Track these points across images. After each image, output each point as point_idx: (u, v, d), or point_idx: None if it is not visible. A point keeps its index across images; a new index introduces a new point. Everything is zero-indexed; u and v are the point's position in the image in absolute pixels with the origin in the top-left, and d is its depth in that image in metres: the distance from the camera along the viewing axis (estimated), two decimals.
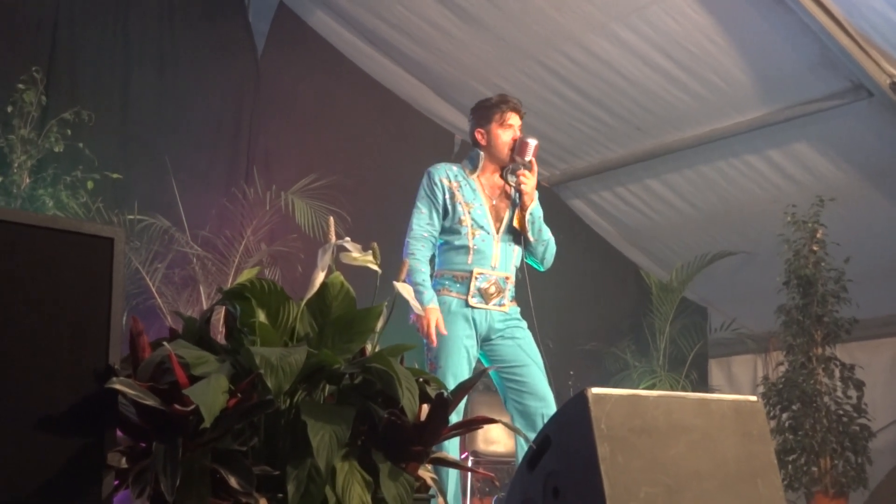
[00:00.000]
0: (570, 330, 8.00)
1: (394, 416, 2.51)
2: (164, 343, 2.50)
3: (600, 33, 6.72)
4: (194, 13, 7.36)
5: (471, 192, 4.51)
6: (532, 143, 4.47)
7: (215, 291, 6.28)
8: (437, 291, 4.42)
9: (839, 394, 6.77)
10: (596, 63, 6.98)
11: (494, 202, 4.53)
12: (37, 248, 2.32)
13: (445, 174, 4.54)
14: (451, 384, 4.13)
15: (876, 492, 6.69)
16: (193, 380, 2.36)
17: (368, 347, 2.76)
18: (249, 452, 2.47)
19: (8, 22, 6.48)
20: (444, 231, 4.50)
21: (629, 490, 2.78)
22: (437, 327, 4.27)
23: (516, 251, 4.53)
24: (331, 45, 7.88)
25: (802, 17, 5.86)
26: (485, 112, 4.58)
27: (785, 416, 6.81)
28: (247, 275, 2.70)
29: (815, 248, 6.89)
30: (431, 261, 4.52)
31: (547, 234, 4.58)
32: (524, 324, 4.51)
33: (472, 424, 2.95)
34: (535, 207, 4.54)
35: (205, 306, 6.43)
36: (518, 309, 4.54)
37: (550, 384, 4.41)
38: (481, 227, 4.45)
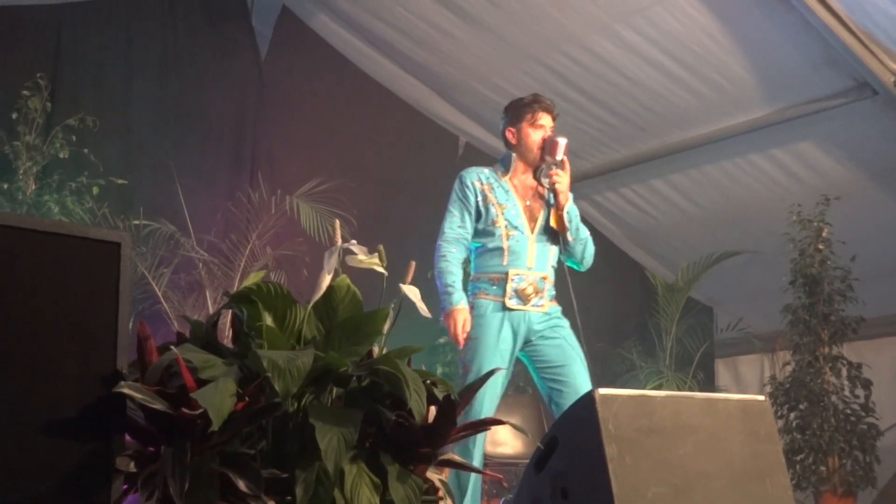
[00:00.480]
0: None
1: (402, 418, 2.52)
2: (172, 347, 2.50)
3: (603, 34, 6.71)
4: (197, 18, 7.36)
5: (503, 194, 4.51)
6: (562, 141, 4.47)
7: (221, 295, 6.29)
8: (475, 295, 4.44)
9: (847, 393, 6.75)
10: (599, 64, 6.98)
11: (528, 203, 4.53)
12: (43, 254, 2.33)
13: (477, 177, 4.56)
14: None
15: (885, 491, 6.67)
16: (201, 383, 2.37)
17: (376, 350, 2.76)
18: (258, 455, 2.48)
19: (12, 29, 6.49)
20: (477, 234, 4.50)
21: (637, 490, 2.78)
22: (462, 327, 4.29)
23: (553, 251, 4.52)
24: (333, 47, 7.88)
25: (805, 15, 5.86)
26: (516, 111, 4.59)
27: (792, 415, 6.80)
28: (253, 278, 2.70)
29: (820, 247, 6.88)
30: (466, 263, 4.54)
31: (584, 232, 4.58)
32: (566, 322, 4.51)
33: (479, 426, 2.95)
34: (570, 206, 4.54)
35: (211, 311, 6.43)
36: (559, 308, 4.53)
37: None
38: (515, 228, 4.45)
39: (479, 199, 4.48)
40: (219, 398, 2.27)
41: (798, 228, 6.93)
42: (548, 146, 4.48)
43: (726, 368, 8.86)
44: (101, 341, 2.37)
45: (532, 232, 4.47)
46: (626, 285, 8.76)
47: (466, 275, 4.55)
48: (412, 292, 2.83)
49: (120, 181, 6.45)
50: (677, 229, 8.38)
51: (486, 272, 4.46)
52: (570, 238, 4.49)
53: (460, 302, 4.34)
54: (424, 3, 7.09)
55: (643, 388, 7.57)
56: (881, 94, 6.23)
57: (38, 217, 5.78)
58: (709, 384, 8.45)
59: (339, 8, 7.60)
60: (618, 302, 8.63)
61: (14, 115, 6.15)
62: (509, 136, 4.59)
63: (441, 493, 2.69)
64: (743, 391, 8.48)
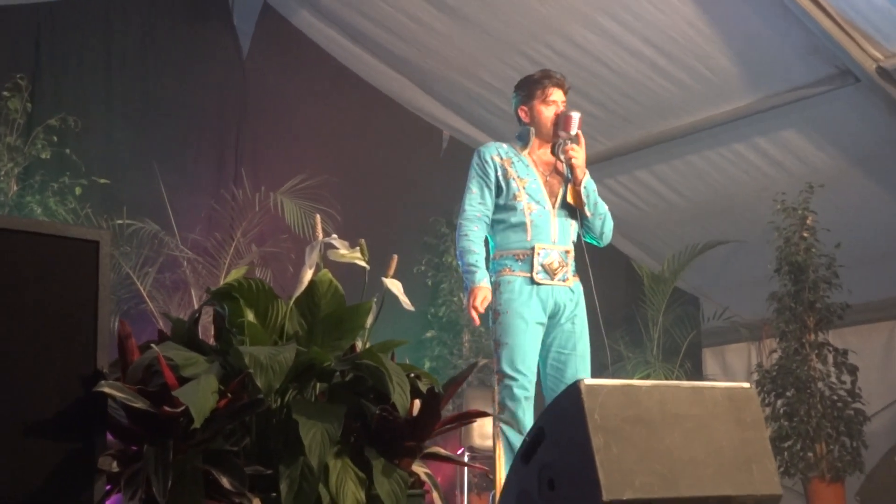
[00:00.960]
0: (594, 311, 7.97)
1: (385, 412, 2.51)
2: (153, 345, 2.49)
3: (585, 24, 6.70)
4: (178, 16, 7.33)
5: (524, 168, 4.44)
6: (576, 116, 4.40)
7: (204, 294, 6.26)
8: (500, 273, 4.34)
9: (833, 379, 6.77)
10: (581, 54, 6.97)
11: (548, 178, 4.45)
12: (22, 254, 2.31)
13: (496, 151, 4.46)
14: (518, 362, 4.17)
15: (871, 475, 6.69)
16: (183, 381, 2.36)
17: (359, 344, 2.75)
18: (241, 452, 2.46)
19: None
20: (498, 209, 4.41)
21: (624, 480, 2.77)
22: (481, 304, 4.21)
23: (573, 226, 4.46)
24: (315, 44, 7.85)
25: (787, 3, 5.85)
26: (527, 89, 4.51)
27: (780, 402, 6.81)
28: (235, 275, 2.69)
29: (805, 235, 6.89)
30: (495, 243, 4.45)
31: (603, 207, 4.52)
32: (584, 308, 4.46)
33: (465, 418, 2.94)
34: (587, 181, 4.48)
35: None
36: (581, 286, 4.47)
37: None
38: (537, 203, 4.37)
39: (500, 173, 4.39)
40: (200, 395, 2.26)
41: (783, 217, 6.93)
42: (561, 121, 4.40)
43: (713, 357, 8.88)
44: (81, 340, 2.36)
45: (553, 207, 4.40)
46: (612, 276, 8.75)
47: (487, 253, 4.47)
48: (394, 286, 2.82)
49: (102, 181, 6.42)
50: (662, 220, 8.38)
51: (510, 248, 4.37)
52: (588, 213, 4.43)
53: (483, 280, 4.26)
54: None
55: (630, 378, 7.58)
56: (863, 81, 6.23)
57: (16, 216, 5.75)
58: (696, 373, 8.46)
59: (321, 4, 7.57)
60: (604, 293, 8.61)
61: None
62: (522, 114, 4.51)
63: (427, 487, 2.68)
64: (730, 380, 8.45)
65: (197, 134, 7.32)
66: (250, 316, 2.57)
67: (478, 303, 4.22)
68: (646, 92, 7.17)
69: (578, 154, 4.41)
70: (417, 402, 2.60)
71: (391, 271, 2.84)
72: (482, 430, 6.49)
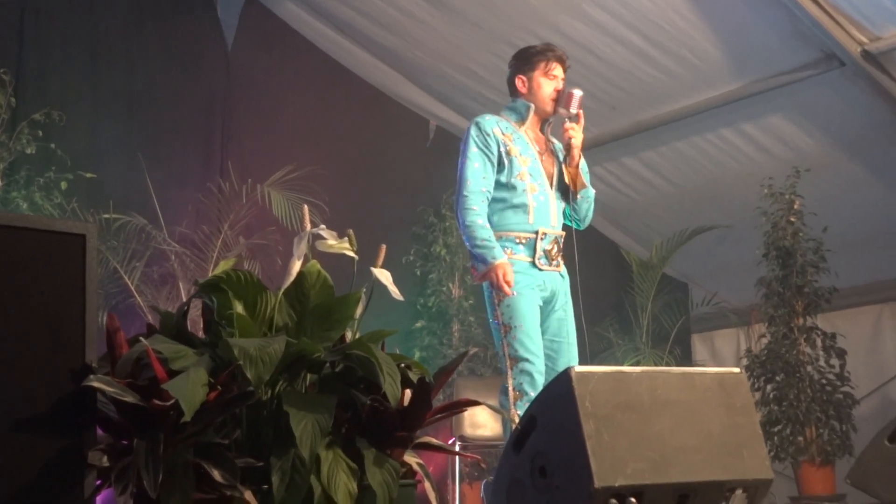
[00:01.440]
0: (576, 298, 7.97)
1: (376, 402, 2.51)
2: (142, 339, 2.48)
3: (571, 13, 6.70)
4: (163, 8, 7.28)
5: (524, 146, 4.23)
6: (577, 93, 4.24)
7: (192, 287, 6.24)
8: None
9: (822, 363, 6.80)
10: (568, 43, 6.94)
11: (543, 157, 4.29)
12: (7, 248, 2.30)
13: (497, 125, 4.22)
14: (531, 344, 4.01)
15: (861, 458, 6.72)
16: (172, 374, 2.35)
17: (348, 335, 2.75)
18: (232, 445, 2.46)
19: None
20: (498, 187, 4.17)
21: (616, 466, 2.77)
22: (509, 280, 4.01)
23: (563, 208, 4.32)
24: (301, 35, 7.82)
25: None
26: (528, 59, 4.32)
27: (769, 387, 6.83)
28: (223, 267, 2.68)
29: (792, 220, 6.91)
30: (491, 223, 4.18)
31: (591, 190, 4.39)
32: (570, 296, 4.32)
33: (456, 407, 2.94)
34: (582, 163, 4.34)
35: None
36: (566, 271, 4.33)
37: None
38: (538, 184, 4.19)
39: (502, 149, 4.16)
40: (190, 388, 2.26)
41: (770, 202, 6.95)
42: (563, 99, 4.24)
43: (703, 343, 8.90)
44: (69, 335, 2.35)
45: (551, 188, 4.25)
46: (600, 264, 8.75)
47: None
48: (383, 276, 2.81)
49: (88, 175, 6.38)
50: (650, 206, 8.39)
51: (510, 230, 4.17)
52: (579, 196, 4.29)
53: (502, 256, 4.03)
54: None
55: (621, 365, 7.59)
56: (848, 66, 6.24)
57: (1, 211, 5.72)
58: (686, 360, 8.48)
59: None
60: (593, 281, 8.62)
61: None
62: (519, 84, 4.30)
63: (419, 477, 2.68)
64: (720, 365, 8.51)
65: (183, 127, 7.28)
66: (239, 308, 2.56)
67: (509, 277, 4.00)
68: (632, 79, 7.17)
69: (577, 134, 4.26)
70: (408, 392, 2.60)
71: (380, 261, 2.84)
72: (473, 420, 6.50)
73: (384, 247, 2.91)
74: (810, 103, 6.74)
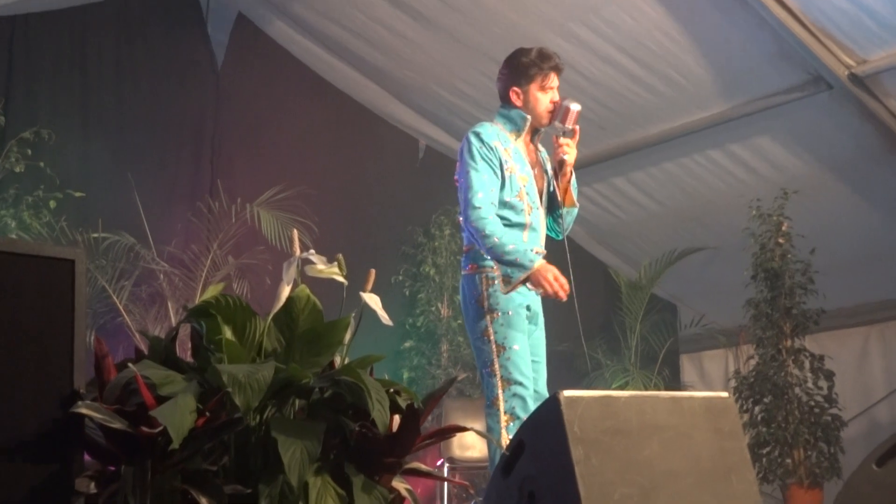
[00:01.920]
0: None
1: (365, 428, 2.50)
2: (130, 364, 2.47)
3: (559, 33, 6.72)
4: (152, 27, 7.28)
5: (521, 162, 4.05)
6: (575, 108, 4.04)
7: (182, 308, 6.22)
8: (491, 269, 3.95)
9: (810, 385, 6.81)
10: None
11: (535, 171, 4.13)
12: None
13: (496, 137, 4.01)
14: (524, 368, 3.88)
15: (849, 482, 6.72)
16: (161, 400, 2.34)
17: (337, 360, 2.74)
18: (220, 471, 2.45)
19: None
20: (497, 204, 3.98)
21: (604, 492, 2.77)
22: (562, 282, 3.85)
23: (547, 223, 4.19)
24: (290, 53, 7.83)
25: (759, 10, 5.90)
26: (524, 70, 4.07)
27: (757, 409, 6.84)
28: (212, 291, 2.68)
29: (780, 241, 6.93)
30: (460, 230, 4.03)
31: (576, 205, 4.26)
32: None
33: (445, 433, 2.94)
34: (572, 178, 4.18)
35: (173, 322, 6.37)
36: None
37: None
38: (533, 203, 4.04)
39: (503, 165, 3.97)
40: (178, 415, 2.25)
41: (758, 223, 6.97)
42: (560, 113, 4.04)
43: (691, 364, 8.91)
44: (57, 360, 2.34)
45: (541, 204, 4.10)
46: (589, 284, 8.75)
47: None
48: (373, 300, 2.81)
49: (77, 194, 6.36)
50: (639, 227, 8.41)
51: None
52: (564, 210, 4.17)
53: (539, 258, 3.88)
54: (380, 7, 7.07)
55: (609, 386, 7.59)
56: (835, 88, 6.29)
57: None
58: (674, 380, 8.48)
59: (296, 14, 7.56)
60: (582, 301, 8.62)
61: None
62: (513, 96, 4.07)
63: (407, 502, 2.67)
64: (708, 386, 8.53)
65: (172, 145, 7.28)
66: (228, 333, 2.55)
67: (563, 280, 3.85)
68: (620, 100, 7.20)
69: (571, 151, 4.12)
70: (397, 418, 2.59)
71: (369, 286, 2.83)
72: (462, 441, 6.49)
73: (373, 271, 2.91)
74: (798, 125, 6.78)
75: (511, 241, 3.85)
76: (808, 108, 6.57)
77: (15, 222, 6.07)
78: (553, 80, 4.10)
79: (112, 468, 2.38)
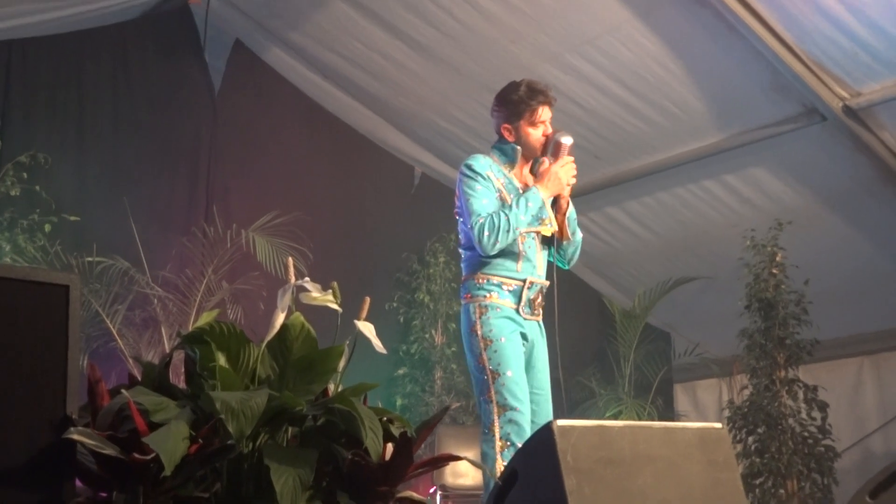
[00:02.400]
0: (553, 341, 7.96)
1: (358, 456, 2.49)
2: (123, 390, 2.46)
3: (555, 63, 6.76)
4: (149, 53, 7.31)
5: (514, 191, 4.06)
6: (567, 142, 4.06)
7: (175, 333, 6.21)
8: (485, 297, 3.98)
9: (804, 415, 6.80)
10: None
11: None
12: None
13: (490, 168, 4.05)
14: (519, 394, 3.89)
15: None
16: (153, 427, 2.33)
17: (331, 388, 2.74)
18: (212, 498, 2.44)
19: None
20: None
21: None
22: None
23: (546, 254, 4.17)
24: (287, 81, 7.87)
25: (754, 43, 5.94)
26: (513, 107, 4.09)
27: (751, 439, 6.83)
28: (206, 318, 2.67)
29: (774, 272, 6.94)
30: (478, 266, 4.03)
31: (579, 234, 4.26)
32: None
33: (437, 462, 2.93)
34: (570, 209, 4.21)
35: (167, 347, 6.36)
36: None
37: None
38: (527, 232, 4.04)
39: (497, 194, 4.01)
40: (171, 442, 2.24)
41: (752, 253, 6.99)
42: (552, 148, 4.06)
43: (685, 393, 8.91)
44: (50, 386, 2.33)
45: (537, 235, 4.09)
46: (583, 312, 8.76)
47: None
48: (367, 328, 2.81)
49: (72, 218, 6.38)
50: (633, 256, 8.43)
51: (497, 274, 4.00)
52: (564, 242, 4.16)
53: (534, 189, 3.97)
54: (378, 35, 7.11)
55: (603, 415, 7.58)
56: (829, 120, 6.32)
57: None
58: (668, 410, 8.47)
59: (293, 41, 7.59)
60: (576, 329, 8.64)
61: None
62: (506, 133, 4.11)
63: None
64: (702, 416, 8.52)
65: (168, 171, 7.30)
66: (222, 360, 2.55)
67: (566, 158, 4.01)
68: (616, 130, 7.24)
69: (565, 178, 4.08)
70: (390, 446, 2.59)
71: (363, 314, 2.83)
72: (455, 469, 6.47)
73: (368, 299, 2.91)
74: (792, 157, 6.81)
75: (507, 212, 3.89)
76: (802, 139, 6.60)
77: (10, 246, 6.08)
78: (544, 114, 4.11)
79: (104, 495, 2.36)
